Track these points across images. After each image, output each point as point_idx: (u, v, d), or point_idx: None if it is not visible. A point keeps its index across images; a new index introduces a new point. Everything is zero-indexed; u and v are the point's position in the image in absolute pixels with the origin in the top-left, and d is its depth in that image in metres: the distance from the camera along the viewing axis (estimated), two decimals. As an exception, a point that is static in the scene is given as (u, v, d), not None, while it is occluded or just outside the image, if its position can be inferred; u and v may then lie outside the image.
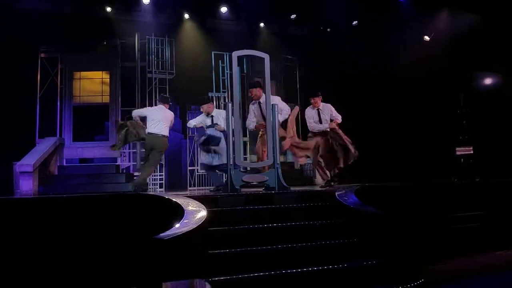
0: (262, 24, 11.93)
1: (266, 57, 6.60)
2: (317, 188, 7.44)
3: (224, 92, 10.68)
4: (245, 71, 10.77)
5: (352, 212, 5.09)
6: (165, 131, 7.07)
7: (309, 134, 7.44)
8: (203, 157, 7.26)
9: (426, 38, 11.61)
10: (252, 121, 6.98)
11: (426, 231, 5.23)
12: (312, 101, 7.37)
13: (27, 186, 7.77)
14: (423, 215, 5.61)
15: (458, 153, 9.69)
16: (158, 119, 7.03)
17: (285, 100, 10.71)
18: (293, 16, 11.68)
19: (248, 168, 7.27)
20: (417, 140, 10.88)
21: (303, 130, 9.89)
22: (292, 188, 6.39)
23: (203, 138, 7.17)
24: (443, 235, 5.45)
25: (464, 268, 5.12)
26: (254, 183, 6.24)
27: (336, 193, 5.51)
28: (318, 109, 7.33)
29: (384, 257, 4.56)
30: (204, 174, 10.05)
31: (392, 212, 5.15)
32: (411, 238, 4.83)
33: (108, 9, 10.57)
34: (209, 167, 7.25)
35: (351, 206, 5.15)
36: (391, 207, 5.37)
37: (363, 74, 10.74)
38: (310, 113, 7.40)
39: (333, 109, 7.38)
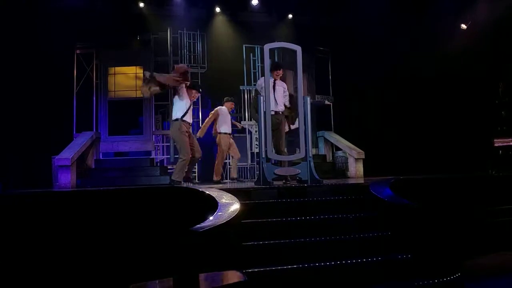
0: (293, 16, 11.81)
1: (298, 49, 6.54)
2: (350, 181, 7.36)
3: (255, 85, 10.64)
4: (276, 64, 10.69)
5: (387, 205, 5.02)
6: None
7: None
8: None
9: (463, 26, 11.23)
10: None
11: (464, 225, 5.10)
12: None
13: (65, 179, 8.04)
14: (460, 208, 5.47)
15: (496, 144, 9.41)
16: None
17: (318, 92, 10.53)
18: (324, 6, 11.50)
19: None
20: (454, 131, 10.60)
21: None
22: (325, 181, 6.35)
23: None
24: (482, 228, 5.30)
25: (504, 263, 4.98)
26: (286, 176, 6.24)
27: (370, 186, 5.45)
28: None
29: (420, 251, 4.49)
30: (237, 167, 10.09)
31: (428, 205, 5.05)
32: (447, 232, 4.73)
33: (141, 4, 10.74)
34: None
35: (385, 199, 5.08)
36: (427, 200, 5.27)
37: (398, 65, 10.51)
38: None
39: None
